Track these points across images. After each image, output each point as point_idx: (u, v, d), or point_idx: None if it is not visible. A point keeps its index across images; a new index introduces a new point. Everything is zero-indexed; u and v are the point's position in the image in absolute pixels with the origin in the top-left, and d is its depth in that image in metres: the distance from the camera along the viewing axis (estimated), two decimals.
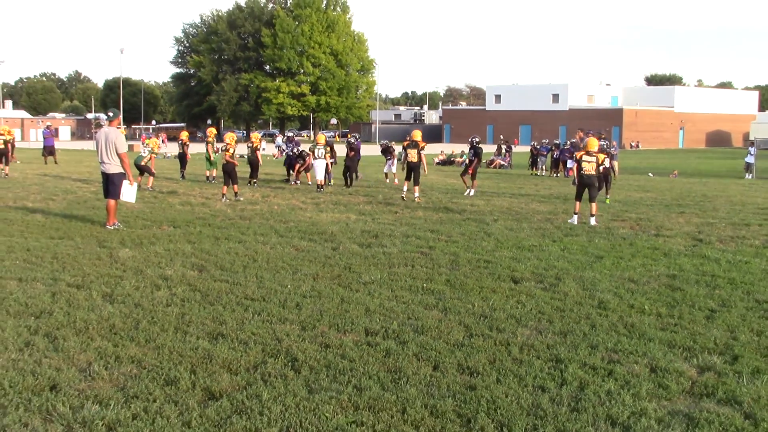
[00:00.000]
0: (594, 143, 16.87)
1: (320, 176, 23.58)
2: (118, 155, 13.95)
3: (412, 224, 15.34)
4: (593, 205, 16.16)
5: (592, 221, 15.85)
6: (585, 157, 16.43)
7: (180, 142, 28.86)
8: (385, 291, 9.20)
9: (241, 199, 19.57)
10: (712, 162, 56.10)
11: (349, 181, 25.28)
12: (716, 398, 5.88)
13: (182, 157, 28.20)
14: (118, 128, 14.55)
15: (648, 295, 9.18)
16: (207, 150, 26.89)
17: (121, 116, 14.57)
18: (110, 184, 14.05)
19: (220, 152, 21.06)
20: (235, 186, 19.87)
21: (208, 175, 26.71)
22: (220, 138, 44.08)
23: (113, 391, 5.78)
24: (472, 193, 22.56)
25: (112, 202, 14.03)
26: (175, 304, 8.41)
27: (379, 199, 20.93)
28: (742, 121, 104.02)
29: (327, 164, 24.00)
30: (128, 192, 14.35)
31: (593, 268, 10.87)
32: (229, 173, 19.78)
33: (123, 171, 14.10)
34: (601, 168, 18.66)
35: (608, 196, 21.25)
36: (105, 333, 7.22)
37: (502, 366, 6.49)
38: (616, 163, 31.19)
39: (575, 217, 16.08)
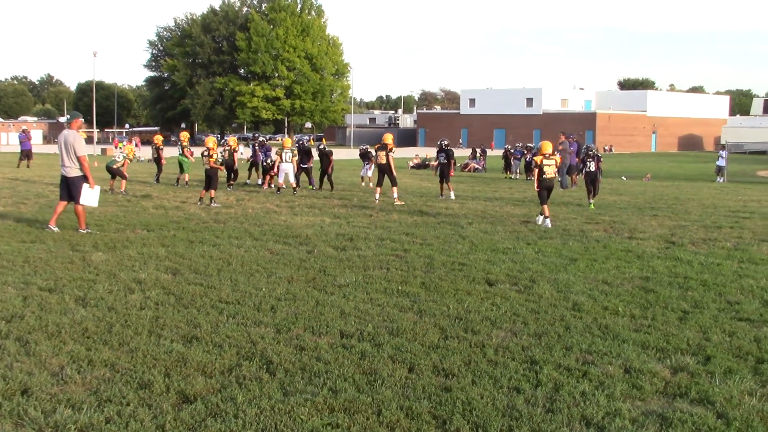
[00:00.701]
0: (548, 146, 17.11)
1: (291, 179, 23.56)
2: (77, 158, 13.70)
3: (386, 227, 15.34)
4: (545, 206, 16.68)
5: (545, 221, 16.29)
6: (545, 161, 16.69)
7: (154, 146, 28.65)
8: (360, 294, 9.19)
9: (217, 205, 19.38)
10: (685, 165, 56.65)
11: (330, 186, 25.26)
12: (689, 398, 5.92)
13: (157, 162, 28.00)
14: (80, 131, 14.29)
15: (622, 297, 9.24)
16: (184, 154, 26.73)
17: (82, 119, 14.25)
18: (73, 188, 13.79)
19: (201, 157, 20.79)
20: (212, 191, 19.72)
21: (179, 178, 26.54)
22: (194, 142, 43.86)
23: (86, 395, 5.73)
24: (452, 196, 22.59)
25: (80, 206, 13.85)
26: (148, 307, 8.35)
27: (354, 202, 20.91)
28: (713, 125, 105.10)
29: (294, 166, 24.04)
30: (89, 195, 13.97)
31: (567, 270, 10.93)
32: (211, 178, 19.71)
33: (83, 174, 13.84)
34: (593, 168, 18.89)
35: (591, 202, 20.87)
36: (78, 337, 7.15)
37: (478, 367, 6.50)
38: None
39: (548, 220, 16.23)
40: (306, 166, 25.30)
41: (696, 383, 6.21)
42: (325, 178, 25.60)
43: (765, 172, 46.99)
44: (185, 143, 27.46)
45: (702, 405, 5.80)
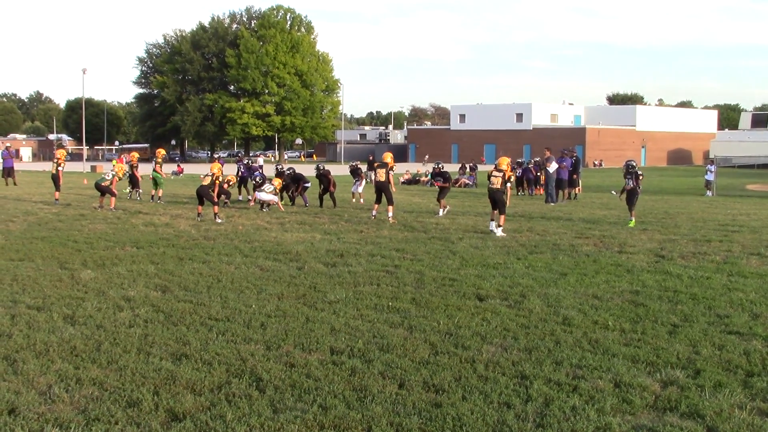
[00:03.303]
0: (505, 161, 18.38)
1: (274, 199, 23.64)
2: None
3: (377, 243, 15.34)
4: (501, 216, 17.55)
5: (498, 231, 17.05)
6: (494, 173, 18.00)
7: (129, 163, 28.71)
8: (350, 310, 9.17)
9: (201, 220, 19.52)
10: (674, 180, 56.82)
11: (333, 203, 25.24)
12: (679, 412, 5.93)
13: (132, 178, 28.07)
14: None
15: (612, 311, 9.26)
16: (156, 170, 26.91)
17: None
18: None
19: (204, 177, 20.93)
20: (215, 207, 19.89)
21: (153, 194, 26.59)
22: (185, 159, 43.81)
23: (74, 413, 5.69)
24: (442, 213, 22.63)
25: None
26: (137, 325, 8.32)
27: (344, 218, 20.91)
28: (702, 140, 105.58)
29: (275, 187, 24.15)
30: None
31: (557, 285, 10.94)
32: (202, 196, 20.02)
33: None
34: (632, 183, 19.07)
35: (632, 218, 20.02)
36: (66, 355, 7.12)
37: (468, 383, 6.49)
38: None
39: (492, 224, 17.57)
40: (307, 185, 25.79)
41: (686, 397, 6.21)
42: (327, 196, 25.57)
43: (754, 185, 47.17)
44: (159, 160, 27.71)
45: (692, 419, 5.80)
